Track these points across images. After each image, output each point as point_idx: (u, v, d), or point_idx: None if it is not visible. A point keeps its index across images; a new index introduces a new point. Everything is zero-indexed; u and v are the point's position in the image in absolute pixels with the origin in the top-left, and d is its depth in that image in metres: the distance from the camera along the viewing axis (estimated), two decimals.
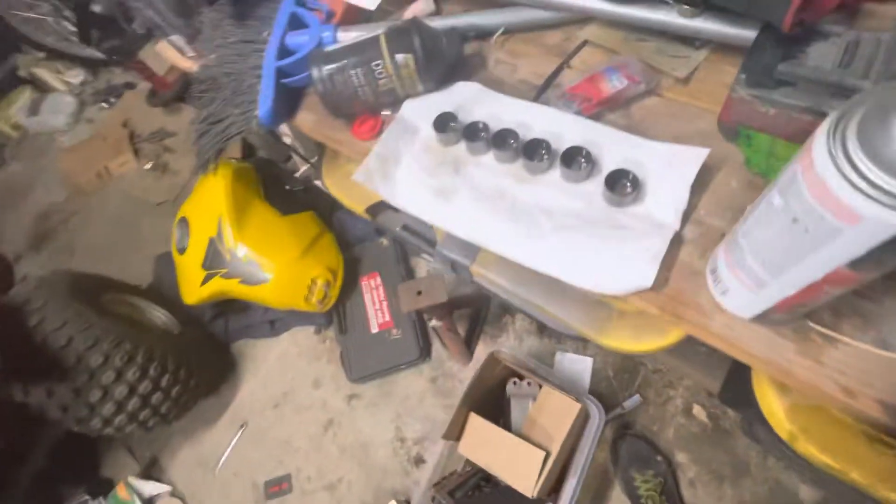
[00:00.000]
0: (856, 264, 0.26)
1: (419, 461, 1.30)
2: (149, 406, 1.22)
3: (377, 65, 0.53)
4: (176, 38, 0.68)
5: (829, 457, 0.49)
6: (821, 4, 0.37)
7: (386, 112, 0.58)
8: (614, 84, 0.49)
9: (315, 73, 0.54)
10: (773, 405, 0.56)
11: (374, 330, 1.38)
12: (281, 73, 0.60)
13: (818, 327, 0.38)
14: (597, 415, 1.06)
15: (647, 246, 0.43)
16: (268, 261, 1.26)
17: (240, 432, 1.43)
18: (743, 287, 0.36)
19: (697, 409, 1.21)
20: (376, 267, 1.44)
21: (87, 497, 1.35)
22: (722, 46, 0.50)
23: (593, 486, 1.19)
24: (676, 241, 0.44)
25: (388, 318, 1.39)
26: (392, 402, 1.38)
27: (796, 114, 0.40)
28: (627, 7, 0.50)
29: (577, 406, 1.06)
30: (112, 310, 1.34)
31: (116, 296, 1.39)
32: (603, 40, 0.55)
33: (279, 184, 1.44)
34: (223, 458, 1.40)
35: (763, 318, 0.38)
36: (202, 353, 1.42)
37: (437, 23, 0.58)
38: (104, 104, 2.08)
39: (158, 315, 1.44)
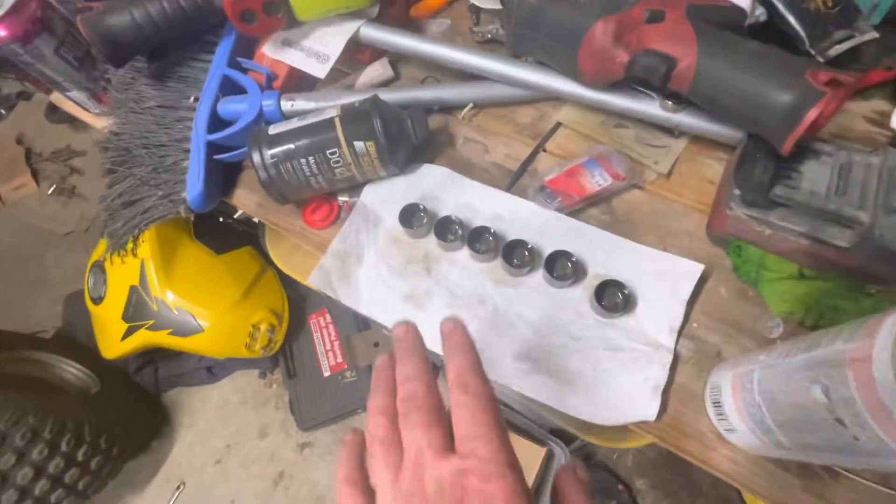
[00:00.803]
0: None
1: None
2: (62, 486, 1.06)
3: (333, 153, 0.45)
4: (75, 94, 0.56)
5: None
6: (817, 125, 0.35)
7: (343, 197, 0.51)
8: (597, 181, 0.46)
9: (256, 158, 0.45)
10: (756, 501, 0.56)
11: (326, 373, 1.29)
12: (213, 147, 0.51)
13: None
14: (560, 454, 1.06)
15: (647, 376, 0.40)
16: (202, 309, 1.13)
17: (176, 494, 1.29)
18: (757, 440, 0.33)
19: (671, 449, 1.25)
20: (325, 303, 1.35)
21: None
22: (701, 137, 0.48)
23: None
24: (672, 361, 0.41)
25: (340, 359, 1.30)
26: None
27: (792, 237, 0.38)
28: (609, 95, 0.47)
29: (542, 450, 1.06)
30: (9, 372, 1.15)
31: (14, 353, 1.19)
32: (579, 124, 0.51)
33: (212, 216, 1.30)
34: None
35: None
36: (128, 411, 1.25)
37: (399, 95, 0.51)
38: None
39: (71, 372, 1.26)
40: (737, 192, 0.39)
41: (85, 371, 1.26)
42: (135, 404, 1.29)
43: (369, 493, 0.25)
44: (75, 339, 1.40)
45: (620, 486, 1.18)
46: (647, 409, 0.39)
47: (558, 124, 0.52)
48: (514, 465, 0.22)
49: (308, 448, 1.32)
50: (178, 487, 1.30)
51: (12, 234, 1.62)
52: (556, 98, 0.52)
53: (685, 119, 0.46)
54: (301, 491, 1.28)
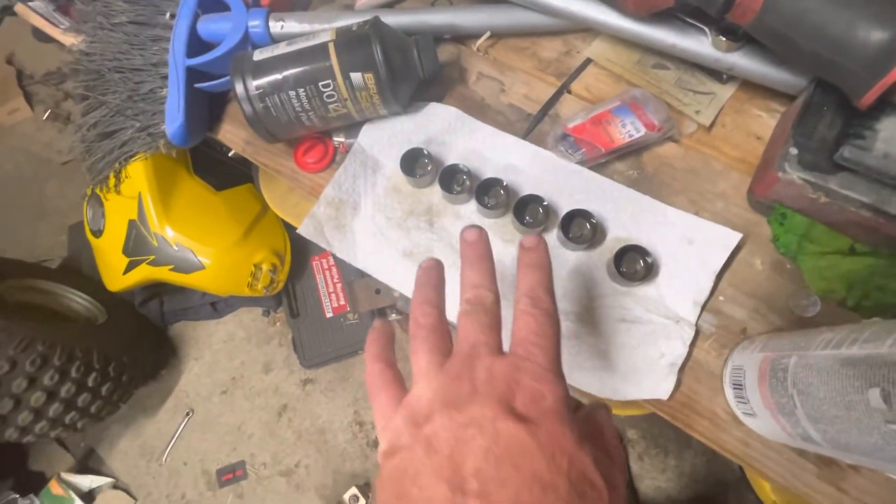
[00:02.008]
0: None
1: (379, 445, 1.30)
2: (75, 408, 1.09)
3: (326, 85, 0.39)
4: (39, 3, 0.49)
5: None
6: None
7: (339, 138, 0.45)
8: (629, 131, 0.40)
9: (240, 89, 0.40)
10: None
11: (329, 314, 1.30)
12: (194, 73, 0.45)
13: None
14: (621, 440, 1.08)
15: (664, 352, 0.36)
16: (202, 246, 1.11)
17: (186, 420, 1.35)
18: (781, 430, 0.30)
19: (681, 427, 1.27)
20: None
21: (15, 495, 1.25)
22: (753, 83, 0.41)
23: None
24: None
25: (343, 301, 1.30)
26: (349, 387, 1.33)
27: (853, 207, 0.33)
28: (651, 27, 0.39)
29: None
30: (17, 300, 1.16)
31: (20, 282, 1.20)
32: (612, 62, 0.44)
33: (210, 152, 1.24)
34: (169, 447, 1.32)
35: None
36: (135, 341, 1.28)
37: (404, 18, 0.44)
38: None
39: (78, 301, 1.27)
40: (794, 150, 0.33)
41: (91, 301, 1.27)
42: (141, 335, 1.31)
43: (400, 374, 0.25)
44: (81, 270, 1.41)
45: None
46: (661, 386, 0.36)
47: (588, 61, 0.45)
48: (563, 377, 0.23)
49: (310, 384, 1.36)
50: (188, 414, 1.35)
51: (10, 161, 1.58)
52: (588, 29, 0.45)
53: (739, 60, 0.39)
54: (304, 423, 1.32)
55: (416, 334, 0.24)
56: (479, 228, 0.28)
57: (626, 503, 0.21)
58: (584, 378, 0.37)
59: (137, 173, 1.05)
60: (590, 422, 0.25)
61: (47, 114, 1.57)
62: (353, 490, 1.22)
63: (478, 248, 0.27)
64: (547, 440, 0.19)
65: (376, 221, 0.43)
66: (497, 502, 0.18)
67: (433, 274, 0.27)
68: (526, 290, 0.25)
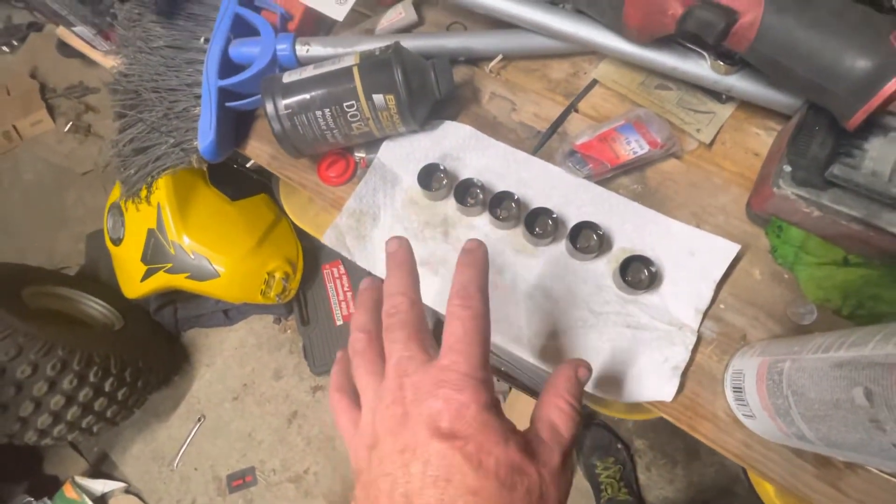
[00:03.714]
0: None
1: None
2: (92, 413, 1.12)
3: (350, 106, 0.42)
4: (81, 29, 0.53)
5: None
6: (892, 99, 0.31)
7: (360, 153, 0.48)
8: (633, 148, 0.42)
9: (270, 108, 0.43)
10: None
11: (339, 322, 1.32)
12: (225, 93, 0.48)
13: None
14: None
15: (667, 356, 0.39)
16: (217, 255, 1.14)
17: (197, 425, 1.37)
18: (778, 430, 0.32)
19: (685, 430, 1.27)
20: (339, 254, 1.34)
21: (29, 499, 1.27)
22: (751, 103, 0.44)
23: None
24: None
25: (353, 309, 1.32)
26: None
27: (844, 221, 0.35)
28: (653, 52, 0.42)
29: None
30: (38, 306, 1.19)
31: (41, 288, 1.23)
32: (617, 83, 0.46)
33: (226, 163, 1.28)
34: (180, 453, 1.34)
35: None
36: (150, 347, 1.31)
37: (422, 42, 0.47)
38: (4, 48, 1.73)
39: (96, 308, 1.30)
40: (787, 168, 0.36)
41: (109, 308, 1.30)
42: (156, 341, 1.34)
43: (356, 399, 0.27)
44: (98, 277, 1.45)
45: (619, 445, 1.21)
46: (665, 389, 0.38)
47: (594, 82, 0.48)
48: (487, 382, 0.24)
49: (320, 391, 1.37)
50: (199, 420, 1.37)
51: (32, 171, 1.63)
52: (594, 52, 0.47)
53: (737, 83, 0.41)
54: (313, 430, 1.34)
55: (352, 360, 0.27)
56: (399, 239, 0.29)
57: (565, 474, 0.24)
58: (594, 382, 0.40)
59: (157, 184, 1.09)
60: (537, 409, 0.27)
61: (68, 126, 1.62)
62: None
63: (396, 257, 0.28)
64: (474, 449, 0.22)
65: (394, 232, 0.46)
66: None
67: (367, 296, 0.29)
68: (457, 289, 0.26)
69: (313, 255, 1.34)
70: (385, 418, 0.24)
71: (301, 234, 1.32)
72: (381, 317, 0.27)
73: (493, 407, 0.23)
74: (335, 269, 1.36)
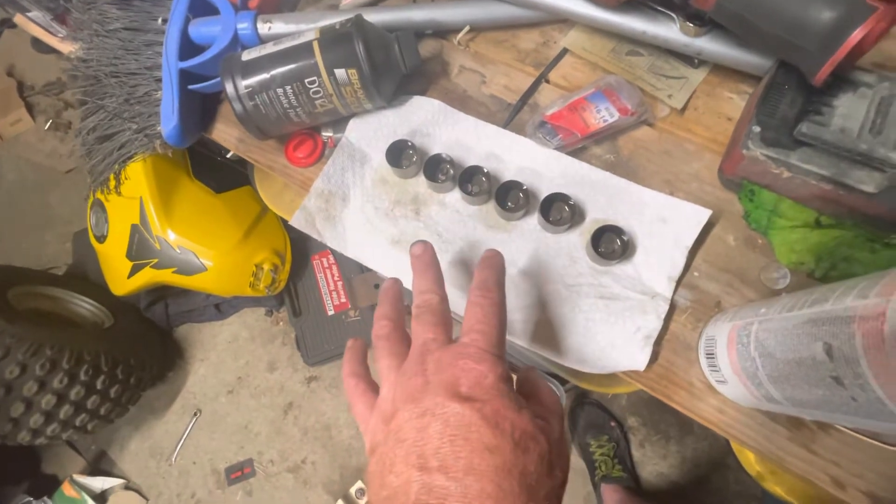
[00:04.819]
0: None
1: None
2: (85, 411, 1.12)
3: (312, 82, 0.41)
4: (36, 14, 0.51)
5: (793, 497, 0.50)
6: (860, 51, 0.30)
7: (327, 133, 0.47)
8: (603, 116, 0.41)
9: (230, 88, 0.42)
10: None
11: (330, 312, 1.32)
12: (187, 75, 0.47)
13: None
14: (555, 392, 1.09)
15: (640, 325, 0.38)
16: (204, 248, 1.13)
17: (193, 420, 1.37)
18: (748, 394, 0.32)
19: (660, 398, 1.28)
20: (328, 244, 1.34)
21: (29, 498, 1.27)
22: (723, 66, 0.43)
23: None
24: (668, 310, 0.39)
25: (344, 299, 1.32)
26: None
27: (814, 181, 0.34)
28: (622, 16, 0.41)
29: None
30: (25, 307, 1.18)
31: (28, 288, 1.22)
32: (587, 51, 0.45)
33: (209, 155, 1.26)
34: (178, 448, 1.35)
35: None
36: (141, 344, 1.30)
37: (387, 15, 0.46)
38: None
39: (84, 306, 1.29)
40: (756, 129, 0.35)
41: (98, 306, 1.29)
42: (148, 338, 1.34)
43: (371, 384, 0.29)
44: (87, 276, 1.43)
45: (613, 423, 1.22)
46: (637, 358, 0.38)
47: (564, 51, 0.46)
48: (503, 359, 0.26)
49: (315, 381, 1.38)
50: (195, 414, 1.37)
51: (14, 171, 1.61)
52: (564, 20, 0.46)
53: (707, 44, 0.40)
54: (309, 420, 1.34)
55: (376, 344, 0.29)
56: (424, 243, 0.33)
57: (565, 447, 0.25)
58: (565, 353, 0.39)
59: (138, 178, 1.08)
60: (526, 383, 0.29)
61: (48, 124, 1.60)
62: (359, 484, 1.24)
63: (424, 259, 0.31)
64: (490, 412, 0.22)
65: (365, 212, 0.45)
66: (455, 471, 0.21)
67: (390, 292, 0.32)
68: (478, 284, 0.29)
69: (302, 245, 1.33)
70: (406, 389, 0.25)
71: (289, 225, 1.30)
72: (402, 308, 0.31)
73: (509, 381, 0.25)
74: (324, 260, 1.36)
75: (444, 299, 0.29)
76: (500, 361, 0.25)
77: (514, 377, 0.28)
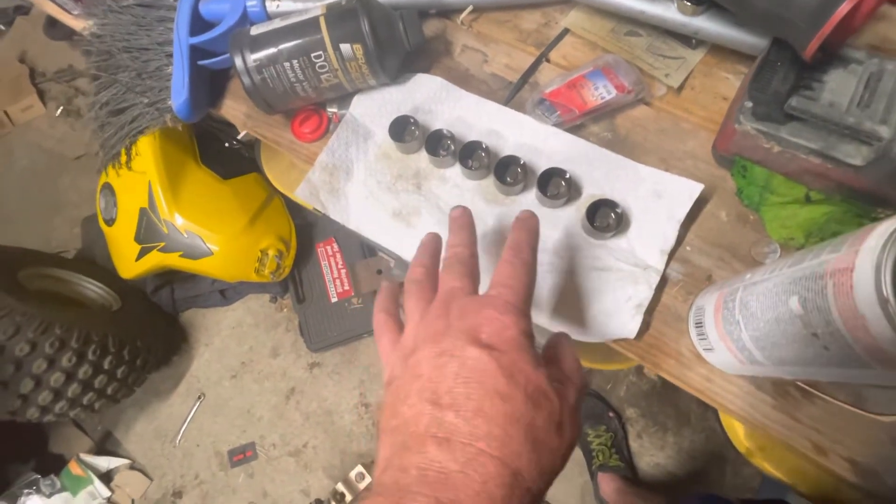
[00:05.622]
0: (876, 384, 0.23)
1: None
2: (92, 390, 1.14)
3: (318, 56, 0.43)
4: None
5: (781, 473, 0.52)
6: (849, 26, 0.31)
7: (332, 109, 0.48)
8: (601, 93, 0.42)
9: (239, 62, 0.43)
10: (734, 422, 0.58)
11: (334, 299, 1.33)
12: (197, 51, 0.48)
13: (798, 382, 0.36)
14: (581, 364, 1.11)
15: (631, 294, 0.39)
16: (210, 233, 1.15)
17: (198, 403, 1.40)
18: (733, 358, 0.33)
19: (648, 368, 1.29)
20: (332, 232, 1.36)
21: (36, 475, 1.30)
22: (720, 47, 0.43)
23: None
24: (660, 282, 0.40)
25: (347, 286, 1.33)
26: (355, 370, 1.37)
27: (803, 154, 0.35)
28: None
29: None
30: (35, 288, 1.21)
31: (38, 270, 1.25)
32: (587, 31, 0.46)
33: (217, 142, 1.28)
34: (182, 430, 1.37)
35: (745, 375, 0.36)
36: (148, 327, 1.32)
37: None
38: None
39: (92, 289, 1.32)
40: (748, 104, 0.36)
41: (106, 289, 1.32)
42: (154, 322, 1.36)
43: (399, 322, 0.30)
44: (95, 260, 1.46)
45: (611, 414, 1.23)
46: (628, 326, 0.39)
47: (565, 31, 0.48)
48: (528, 316, 0.26)
49: (317, 367, 1.39)
50: (200, 398, 1.40)
51: (26, 156, 1.63)
52: (565, 1, 0.47)
53: (704, 24, 0.41)
54: (311, 405, 1.36)
55: (407, 287, 0.30)
56: (464, 208, 0.34)
57: (578, 416, 0.25)
58: (559, 322, 0.40)
59: (146, 161, 1.09)
60: (552, 348, 0.29)
61: (60, 110, 1.62)
62: (359, 468, 1.26)
63: (460, 221, 0.32)
64: (507, 363, 0.23)
65: (368, 185, 0.47)
66: (465, 411, 0.22)
67: (430, 245, 0.33)
68: (511, 244, 0.29)
69: (307, 233, 1.35)
70: (428, 330, 0.26)
71: (294, 213, 1.32)
72: (437, 261, 0.31)
73: (530, 337, 0.25)
74: (329, 247, 1.37)
75: (474, 255, 0.30)
76: (524, 318, 0.25)
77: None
